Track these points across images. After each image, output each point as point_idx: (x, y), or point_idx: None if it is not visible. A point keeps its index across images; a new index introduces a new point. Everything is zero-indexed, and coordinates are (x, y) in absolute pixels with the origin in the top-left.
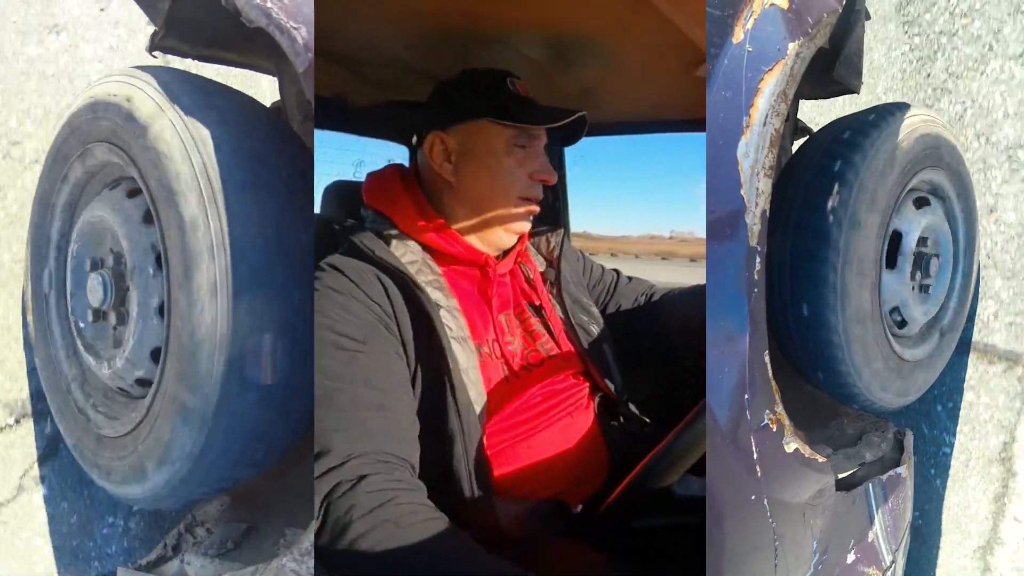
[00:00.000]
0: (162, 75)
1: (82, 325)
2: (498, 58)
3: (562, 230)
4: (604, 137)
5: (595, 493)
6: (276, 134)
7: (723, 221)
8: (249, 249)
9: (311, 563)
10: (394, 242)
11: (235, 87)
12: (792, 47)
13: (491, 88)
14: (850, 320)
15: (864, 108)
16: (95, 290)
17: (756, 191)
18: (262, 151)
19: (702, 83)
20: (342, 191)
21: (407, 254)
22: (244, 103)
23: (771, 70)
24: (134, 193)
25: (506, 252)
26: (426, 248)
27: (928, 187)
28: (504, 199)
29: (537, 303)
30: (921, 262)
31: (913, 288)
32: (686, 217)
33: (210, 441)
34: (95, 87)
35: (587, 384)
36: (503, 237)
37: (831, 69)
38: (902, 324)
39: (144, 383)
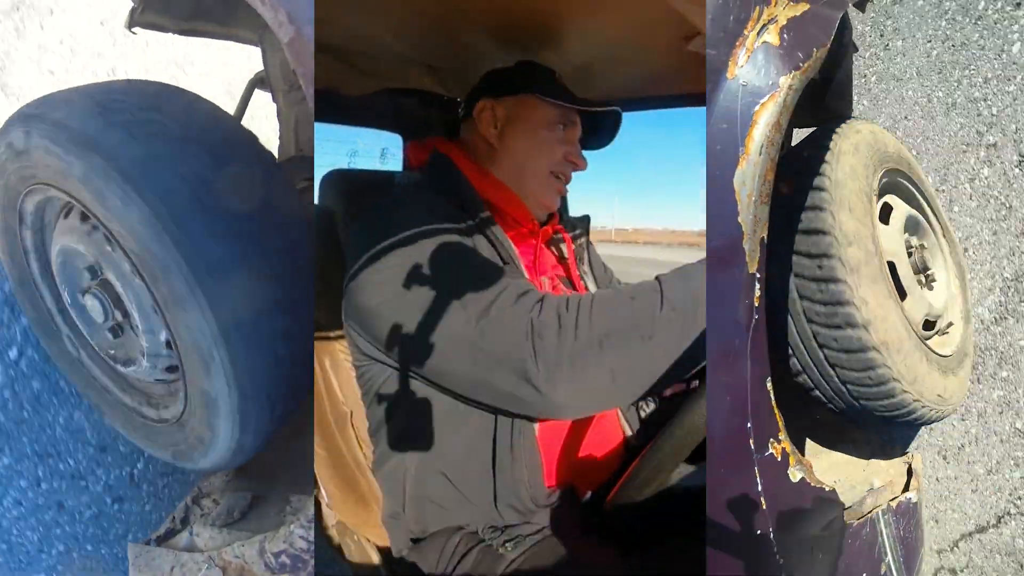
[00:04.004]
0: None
1: (103, 343)
2: (490, 43)
3: (588, 216)
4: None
5: (604, 483)
6: (198, 117)
7: (722, 249)
8: (203, 236)
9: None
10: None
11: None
12: (784, 80)
13: (541, 73)
14: (882, 330)
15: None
16: (95, 309)
17: (753, 218)
18: (189, 138)
19: (695, 57)
20: (342, 179)
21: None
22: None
23: (765, 103)
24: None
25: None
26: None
27: (893, 187)
28: (538, 168)
29: (568, 278)
30: (915, 254)
31: (918, 282)
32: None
33: (247, 409)
34: None
35: None
36: (534, 208)
37: (822, 98)
38: (927, 324)
39: (173, 369)
